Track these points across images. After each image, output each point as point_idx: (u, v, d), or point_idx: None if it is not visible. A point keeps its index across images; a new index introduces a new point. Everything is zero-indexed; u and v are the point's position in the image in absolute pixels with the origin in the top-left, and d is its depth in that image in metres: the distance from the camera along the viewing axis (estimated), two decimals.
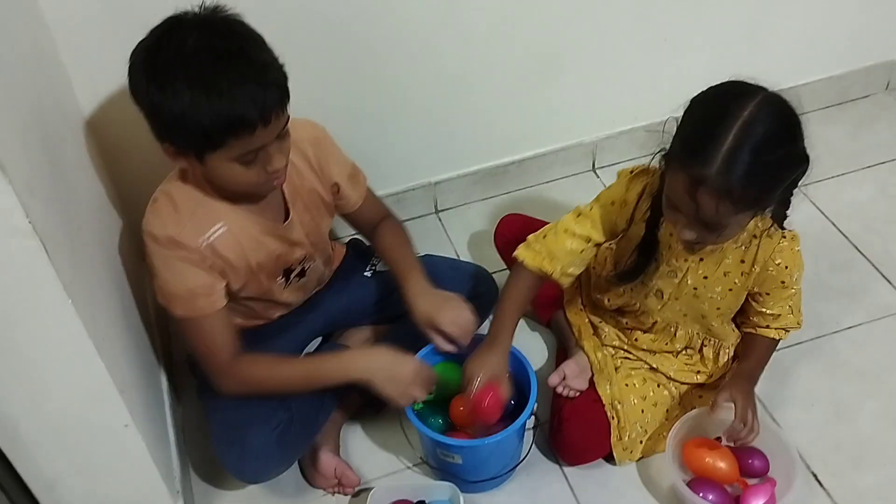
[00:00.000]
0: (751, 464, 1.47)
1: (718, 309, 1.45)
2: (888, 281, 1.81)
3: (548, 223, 1.51)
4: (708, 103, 1.20)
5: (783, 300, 1.43)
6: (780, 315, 1.45)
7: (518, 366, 1.49)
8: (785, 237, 1.37)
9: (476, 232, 2.00)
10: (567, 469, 1.54)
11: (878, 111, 2.22)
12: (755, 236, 1.36)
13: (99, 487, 1.33)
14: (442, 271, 1.60)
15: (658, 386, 1.53)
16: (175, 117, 1.18)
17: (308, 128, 1.44)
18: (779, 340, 1.49)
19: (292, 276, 1.51)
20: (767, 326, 1.47)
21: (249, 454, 1.41)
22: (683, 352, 1.54)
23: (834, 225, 1.94)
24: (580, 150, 2.07)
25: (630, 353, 1.56)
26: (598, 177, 2.10)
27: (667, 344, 1.53)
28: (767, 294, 1.42)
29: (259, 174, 1.27)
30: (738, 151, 1.13)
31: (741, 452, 1.47)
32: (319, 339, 1.72)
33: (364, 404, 1.63)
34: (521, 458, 1.51)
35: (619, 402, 1.51)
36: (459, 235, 2.00)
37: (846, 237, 1.91)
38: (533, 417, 1.45)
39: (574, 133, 2.04)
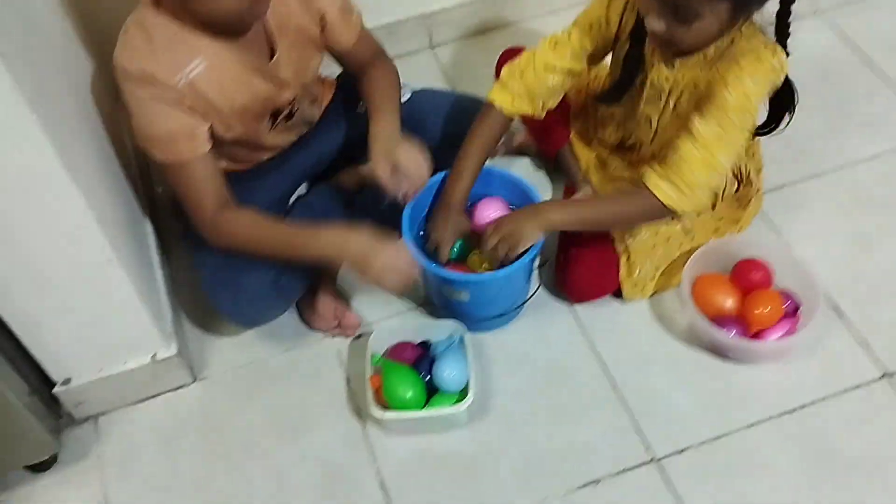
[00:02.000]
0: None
1: None
2: None
3: None
4: None
5: (714, 111, 1.21)
6: (693, 139, 1.22)
7: (525, 199, 1.41)
8: (767, 47, 1.21)
9: (475, 69, 1.86)
10: (577, 307, 1.48)
11: None
12: (732, 41, 1.23)
13: (86, 328, 1.28)
14: (439, 105, 1.50)
15: (671, 219, 1.45)
16: None
17: None
18: (654, 211, 1.28)
19: (280, 118, 1.39)
20: (660, 177, 1.25)
21: (243, 297, 1.34)
22: None
23: (856, 51, 1.82)
24: None
25: None
26: None
27: None
28: (702, 115, 1.22)
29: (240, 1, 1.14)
30: None
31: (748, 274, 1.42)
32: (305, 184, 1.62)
33: None
34: (531, 294, 1.44)
35: (630, 236, 1.43)
36: (456, 73, 1.88)
37: (868, 65, 1.79)
38: (539, 256, 1.37)
39: None
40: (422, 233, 1.42)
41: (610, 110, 1.45)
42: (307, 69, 1.38)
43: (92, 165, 1.26)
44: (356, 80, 1.46)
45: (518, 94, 1.36)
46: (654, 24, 1.17)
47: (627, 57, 1.31)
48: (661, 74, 1.30)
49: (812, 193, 1.59)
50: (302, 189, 1.58)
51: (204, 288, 1.37)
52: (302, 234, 1.29)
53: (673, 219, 1.37)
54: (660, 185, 1.25)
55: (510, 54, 1.61)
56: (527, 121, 1.60)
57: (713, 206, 1.47)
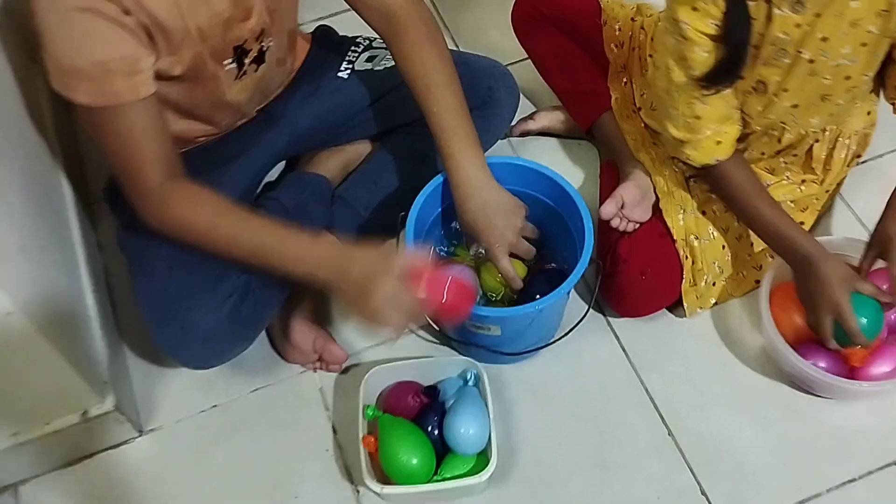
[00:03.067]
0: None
1: (848, 78, 1.01)
2: None
3: None
4: None
5: None
6: None
7: (555, 194, 1.10)
8: None
9: (478, 15, 1.53)
10: (616, 324, 1.19)
11: None
12: None
13: None
14: None
15: None
16: None
17: None
18: None
19: (246, 60, 1.06)
20: None
21: (193, 337, 1.04)
22: (783, 159, 1.14)
23: None
24: None
25: None
26: None
27: (762, 154, 1.14)
28: None
29: None
30: None
31: None
32: (283, 163, 1.31)
33: None
34: (577, 322, 1.11)
35: (696, 237, 1.13)
36: (457, 19, 1.54)
37: None
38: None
39: None
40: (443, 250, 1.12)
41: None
42: None
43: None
44: (383, 36, 1.11)
45: (710, 140, 1.05)
46: None
47: (729, 18, 0.96)
48: (787, 25, 0.97)
49: None
50: (275, 171, 1.26)
51: (145, 320, 1.06)
52: (289, 238, 0.97)
53: None
54: None
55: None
56: (558, 87, 1.30)
57: None
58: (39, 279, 1.00)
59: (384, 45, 1.15)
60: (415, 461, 1.01)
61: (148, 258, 1.05)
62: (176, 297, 1.03)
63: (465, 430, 1.03)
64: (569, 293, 1.08)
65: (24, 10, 0.92)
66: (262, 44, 1.07)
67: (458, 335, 1.14)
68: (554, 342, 1.13)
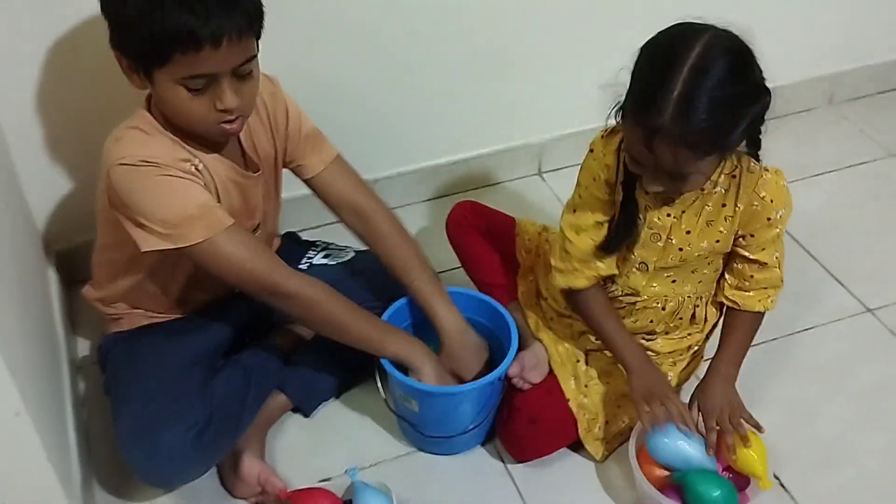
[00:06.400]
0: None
1: (710, 264, 1.36)
2: (841, 284, 1.76)
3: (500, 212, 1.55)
4: (656, 49, 1.13)
5: (770, 243, 1.30)
6: (766, 266, 1.32)
7: (494, 316, 1.43)
8: (768, 170, 1.28)
9: (420, 231, 1.88)
10: (516, 470, 1.42)
11: (821, 125, 2.21)
12: (734, 176, 1.27)
13: None
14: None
15: None
16: (129, 18, 1.12)
17: (265, 81, 1.32)
18: (762, 316, 1.38)
19: None
20: (750, 291, 1.35)
21: (160, 454, 1.25)
22: (671, 322, 1.43)
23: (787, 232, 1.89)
24: (527, 153, 2.00)
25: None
26: (545, 181, 2.02)
27: (651, 322, 1.42)
28: (752, 236, 1.30)
29: (208, 108, 1.17)
30: (688, 97, 1.07)
31: None
32: None
33: (294, 408, 1.50)
34: (487, 415, 1.39)
35: (585, 395, 1.40)
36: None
37: (799, 243, 1.86)
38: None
39: (521, 134, 1.97)
40: None
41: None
42: (271, 198, 1.41)
43: (12, 320, 1.20)
44: (352, 228, 1.44)
45: (577, 269, 1.35)
46: (652, 186, 1.19)
47: (624, 204, 1.30)
48: (660, 215, 1.30)
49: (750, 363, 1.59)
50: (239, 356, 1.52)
51: (119, 440, 1.28)
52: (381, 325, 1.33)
53: None
54: (772, 283, 1.35)
55: (462, 205, 1.61)
56: (477, 279, 1.59)
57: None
58: (43, 396, 1.24)
59: (340, 247, 1.50)
60: None
61: (129, 391, 1.29)
62: (150, 420, 1.25)
63: None
64: (491, 395, 1.37)
65: (102, 200, 1.23)
66: (256, 232, 1.39)
67: (393, 404, 1.41)
68: (469, 431, 1.38)
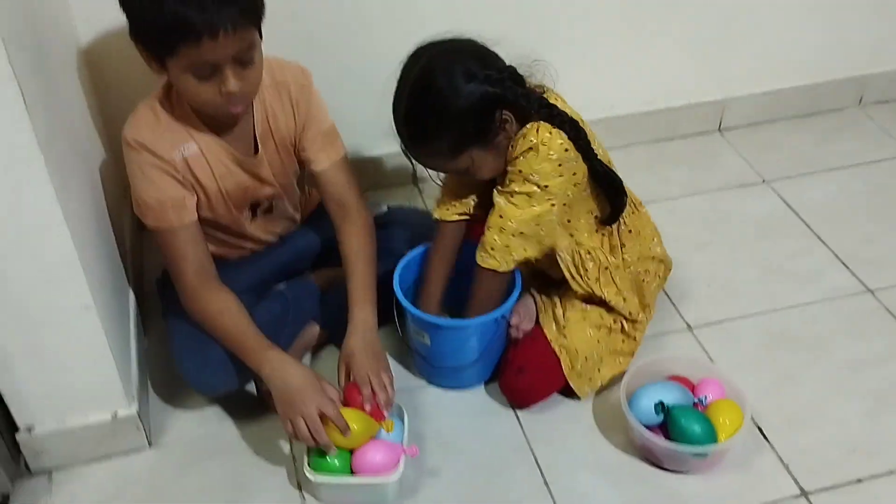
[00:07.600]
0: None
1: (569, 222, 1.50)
2: (846, 266, 1.86)
3: None
4: (403, 65, 1.38)
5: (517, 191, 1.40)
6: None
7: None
8: (531, 130, 1.37)
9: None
10: (521, 414, 1.56)
11: (846, 125, 2.30)
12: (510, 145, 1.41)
13: (55, 374, 1.35)
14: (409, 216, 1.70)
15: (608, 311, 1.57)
16: (142, 12, 1.24)
17: (297, 72, 1.48)
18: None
19: (259, 210, 1.56)
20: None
21: (210, 366, 1.44)
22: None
23: (797, 215, 2.00)
24: None
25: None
26: None
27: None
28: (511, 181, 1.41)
29: (214, 93, 1.29)
30: (407, 114, 1.36)
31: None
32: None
33: (328, 339, 1.67)
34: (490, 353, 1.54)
35: (565, 336, 1.52)
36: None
37: (808, 225, 1.97)
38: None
39: None
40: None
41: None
42: (288, 173, 1.55)
43: (88, 221, 1.39)
44: (333, 220, 1.55)
45: (451, 204, 1.54)
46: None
47: (603, 175, 1.45)
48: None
49: (741, 331, 1.71)
50: (280, 287, 1.71)
51: (174, 354, 1.48)
52: (253, 343, 1.38)
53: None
54: (480, 254, 1.47)
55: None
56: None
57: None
58: (110, 298, 1.43)
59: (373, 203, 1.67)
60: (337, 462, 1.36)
61: (185, 314, 1.47)
62: (202, 338, 1.43)
63: None
64: (497, 333, 1.52)
65: (122, 165, 1.43)
66: (273, 201, 1.56)
67: (407, 337, 1.58)
68: (477, 363, 1.54)
